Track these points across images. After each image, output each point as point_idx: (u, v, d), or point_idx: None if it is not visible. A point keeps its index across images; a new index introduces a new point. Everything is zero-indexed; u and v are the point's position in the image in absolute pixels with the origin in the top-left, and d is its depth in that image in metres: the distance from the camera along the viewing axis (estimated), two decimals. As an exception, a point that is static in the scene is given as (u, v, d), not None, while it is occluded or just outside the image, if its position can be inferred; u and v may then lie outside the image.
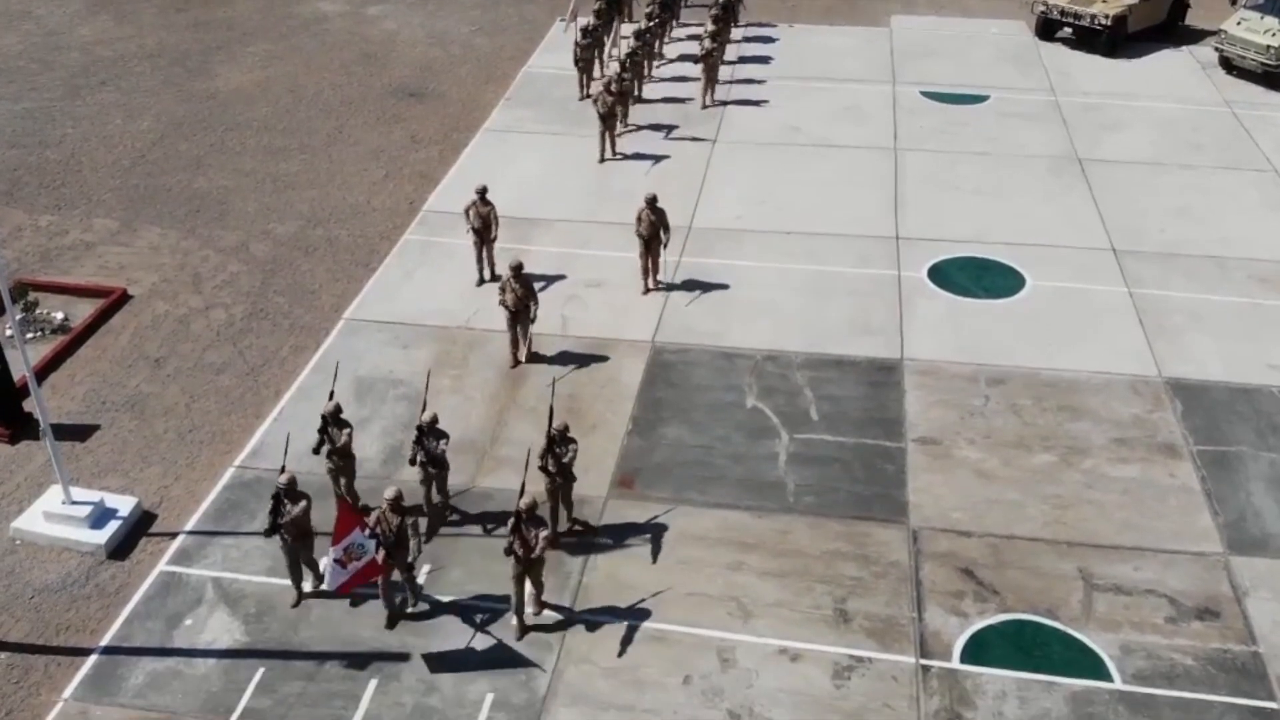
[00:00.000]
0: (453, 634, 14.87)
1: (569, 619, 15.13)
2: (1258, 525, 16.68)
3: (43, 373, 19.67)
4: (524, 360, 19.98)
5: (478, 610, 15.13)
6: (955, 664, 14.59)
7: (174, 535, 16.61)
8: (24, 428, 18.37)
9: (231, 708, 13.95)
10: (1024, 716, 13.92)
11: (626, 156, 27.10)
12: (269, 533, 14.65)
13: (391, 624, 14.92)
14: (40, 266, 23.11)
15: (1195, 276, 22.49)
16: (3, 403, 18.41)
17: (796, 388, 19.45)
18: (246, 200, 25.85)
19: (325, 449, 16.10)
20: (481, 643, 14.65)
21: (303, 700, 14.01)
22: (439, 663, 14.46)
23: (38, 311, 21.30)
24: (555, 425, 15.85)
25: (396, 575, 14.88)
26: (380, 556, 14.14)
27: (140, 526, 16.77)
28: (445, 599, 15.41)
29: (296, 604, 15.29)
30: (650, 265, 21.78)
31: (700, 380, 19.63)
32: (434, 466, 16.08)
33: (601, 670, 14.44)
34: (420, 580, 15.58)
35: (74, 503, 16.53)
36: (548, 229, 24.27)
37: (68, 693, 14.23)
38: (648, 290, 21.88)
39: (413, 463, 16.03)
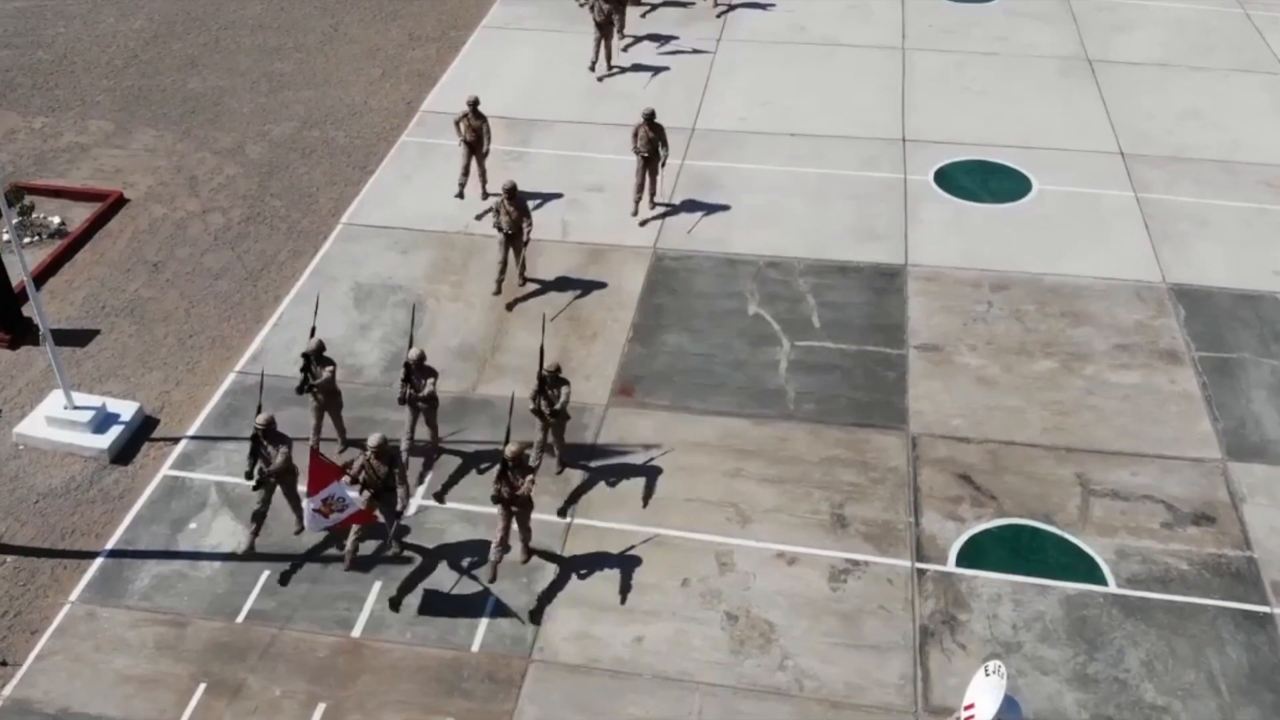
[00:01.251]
0: (456, 538, 15.01)
1: (569, 524, 15.27)
2: (1257, 431, 16.71)
3: (41, 277, 19.58)
4: (521, 282, 19.34)
5: (480, 518, 15.24)
6: (951, 568, 14.75)
7: (176, 440, 16.69)
8: (24, 333, 18.33)
9: (237, 609, 14.15)
10: (1018, 619, 14.11)
11: (624, 69, 26.04)
12: (253, 482, 14.15)
13: (351, 566, 14.50)
14: (35, 169, 22.86)
15: (1203, 181, 22.20)
16: (2, 308, 18.34)
17: (799, 294, 19.35)
18: (241, 101, 25.46)
19: (309, 387, 15.48)
20: (484, 549, 14.76)
21: (307, 602, 14.21)
22: (442, 566, 14.63)
23: (34, 215, 21.13)
24: (547, 365, 15.27)
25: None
26: (368, 506, 13.77)
27: (142, 431, 16.84)
28: (448, 505, 15.55)
29: (249, 551, 14.68)
30: (648, 185, 20.95)
31: (702, 287, 19.52)
32: (422, 402, 15.54)
33: (601, 574, 14.61)
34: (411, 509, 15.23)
35: (76, 408, 16.57)
36: (547, 130, 23.93)
37: (74, 595, 14.42)
38: (639, 214, 20.99)
39: (402, 401, 15.49)
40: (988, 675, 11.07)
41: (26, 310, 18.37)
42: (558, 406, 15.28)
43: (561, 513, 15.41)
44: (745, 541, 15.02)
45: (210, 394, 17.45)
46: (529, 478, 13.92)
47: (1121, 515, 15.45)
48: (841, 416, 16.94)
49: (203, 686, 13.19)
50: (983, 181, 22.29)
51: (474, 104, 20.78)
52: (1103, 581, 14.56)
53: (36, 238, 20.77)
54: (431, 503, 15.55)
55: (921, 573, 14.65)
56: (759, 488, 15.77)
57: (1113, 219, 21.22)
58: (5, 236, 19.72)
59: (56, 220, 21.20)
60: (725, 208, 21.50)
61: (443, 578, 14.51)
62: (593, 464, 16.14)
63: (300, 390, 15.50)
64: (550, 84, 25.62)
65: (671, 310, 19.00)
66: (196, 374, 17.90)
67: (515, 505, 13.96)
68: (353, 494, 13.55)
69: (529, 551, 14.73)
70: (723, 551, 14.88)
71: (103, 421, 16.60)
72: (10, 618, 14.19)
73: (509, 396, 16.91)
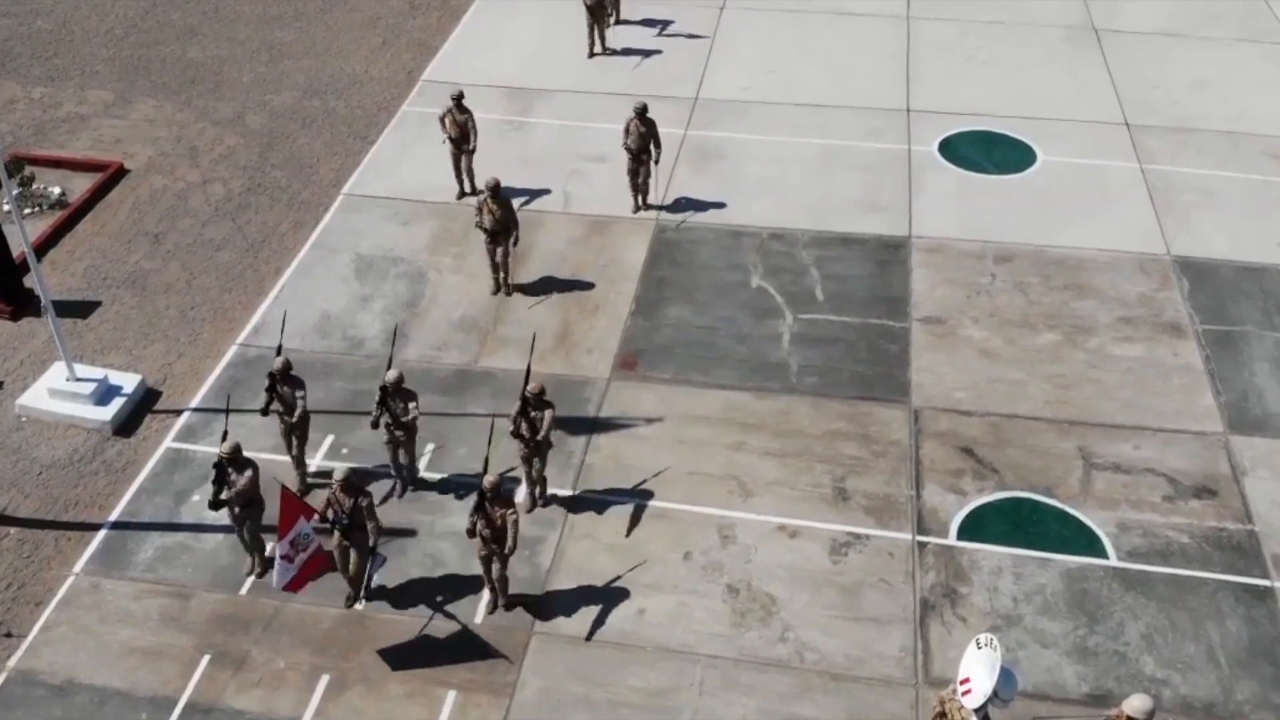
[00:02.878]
0: (457, 511, 15.03)
1: (572, 497, 15.29)
2: (1259, 405, 16.69)
3: (42, 249, 19.53)
4: (507, 291, 18.54)
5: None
6: (952, 540, 14.78)
7: (178, 412, 16.71)
8: (25, 304, 18.32)
9: (240, 581, 14.21)
10: (1018, 591, 14.15)
11: (616, 52, 25.43)
12: (214, 506, 13.21)
13: (350, 604, 13.83)
14: (35, 140, 22.77)
15: (1208, 152, 22.07)
16: (3, 279, 18.32)
17: (802, 266, 19.29)
18: (241, 70, 25.32)
19: (275, 408, 14.55)
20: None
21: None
22: (446, 538, 14.66)
23: (34, 186, 21.06)
24: (530, 387, 14.16)
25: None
26: (334, 540, 13.15)
27: (144, 403, 16.86)
28: (448, 475, 15.56)
29: (261, 574, 14.11)
30: (640, 183, 20.13)
31: (705, 259, 19.46)
32: (399, 430, 14.56)
33: (604, 546, 14.65)
34: (415, 467, 15.09)
35: (78, 379, 16.58)
36: (549, 100, 23.80)
37: (78, 567, 14.49)
38: (637, 209, 20.31)
39: (375, 425, 14.46)
40: (980, 648, 11.08)
41: (28, 282, 18.34)
42: (542, 433, 14.31)
43: (539, 503, 15.06)
44: (747, 515, 15.04)
45: (212, 366, 17.45)
46: (509, 512, 12.97)
47: (1123, 488, 15.46)
48: (844, 390, 16.93)
49: (207, 658, 13.26)
50: (987, 152, 22.18)
51: (458, 98, 19.85)
52: (1103, 555, 14.60)
53: (37, 209, 20.71)
54: (434, 474, 15.57)
55: (922, 546, 14.68)
56: (761, 461, 15.78)
57: (1117, 190, 21.12)
58: (6, 207, 19.69)
59: (57, 191, 21.13)
60: (728, 178, 21.41)
61: (446, 550, 14.54)
62: (595, 437, 16.14)
63: (264, 412, 14.56)
64: (552, 52, 25.46)
65: (674, 283, 18.96)
66: (198, 346, 17.89)
67: (495, 542, 13.10)
68: (314, 533, 12.70)
69: (507, 600, 13.79)
70: (724, 525, 14.91)
71: (105, 393, 16.61)
72: (14, 589, 14.25)
73: (511, 369, 16.95)
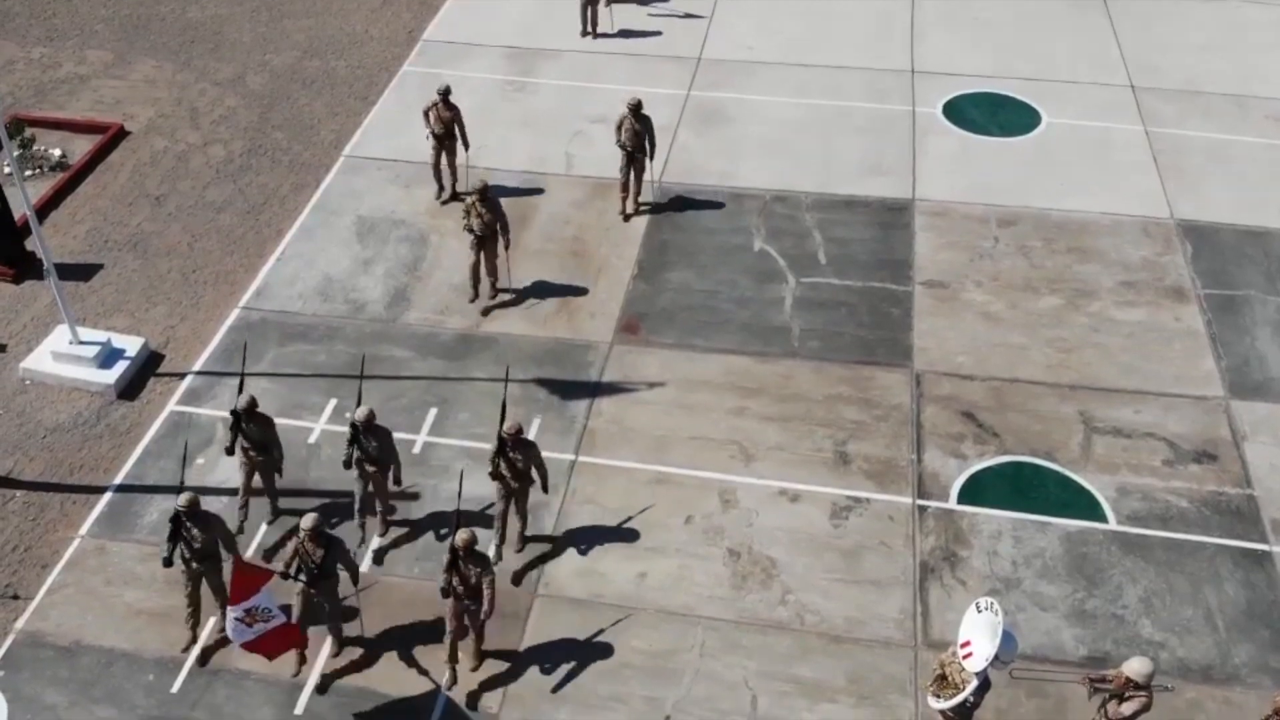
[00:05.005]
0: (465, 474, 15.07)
1: (574, 462, 15.35)
2: (1260, 369, 16.71)
3: (43, 211, 19.48)
4: (495, 294, 17.76)
5: (483, 455, 15.28)
6: (952, 504, 14.85)
7: (182, 376, 16.74)
8: (27, 267, 18.31)
9: (245, 544, 14.28)
10: (1018, 555, 14.24)
11: (609, 35, 24.54)
12: (167, 563, 12.41)
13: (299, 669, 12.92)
14: (35, 101, 22.65)
15: (1214, 116, 21.94)
16: (5, 242, 18.30)
17: (805, 230, 19.24)
18: (241, 30, 25.14)
19: (241, 446, 13.82)
20: (487, 487, 14.82)
21: (314, 537, 14.31)
22: (452, 503, 14.70)
23: (35, 148, 20.97)
24: (507, 427, 13.19)
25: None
26: (298, 590, 12.40)
27: (148, 367, 16.89)
28: (452, 442, 15.62)
29: (187, 648, 13.14)
30: (633, 183, 19.12)
31: (707, 222, 19.41)
32: (372, 466, 13.73)
33: (606, 510, 14.72)
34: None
35: (81, 343, 16.60)
36: (554, 60, 23.64)
37: (84, 529, 14.58)
38: (626, 215, 19.37)
39: (348, 465, 13.62)
40: (980, 612, 11.16)
41: (29, 244, 18.32)
42: (538, 480, 13.60)
43: (517, 548, 14.31)
44: (748, 479, 15.11)
45: (215, 329, 17.46)
46: (485, 572, 12.20)
47: (1123, 452, 15.51)
48: (846, 353, 16.95)
49: (213, 620, 13.35)
50: (991, 114, 22.06)
51: (445, 93, 19.07)
52: (1103, 519, 14.67)
53: (38, 170, 20.64)
54: (437, 439, 15.63)
55: (923, 509, 14.76)
56: (762, 425, 15.83)
57: (1121, 153, 21.02)
58: (7, 169, 19.62)
59: (57, 153, 21.05)
60: (732, 140, 21.31)
61: (444, 522, 14.58)
62: (597, 401, 16.18)
63: (230, 452, 13.94)
64: (556, 12, 25.21)
65: (676, 246, 18.92)
66: (201, 309, 17.90)
67: (469, 599, 12.34)
68: (278, 606, 11.86)
69: (480, 656, 12.98)
70: (726, 489, 14.98)
71: (108, 357, 16.63)
72: (21, 552, 14.35)
73: (513, 334, 16.98)
